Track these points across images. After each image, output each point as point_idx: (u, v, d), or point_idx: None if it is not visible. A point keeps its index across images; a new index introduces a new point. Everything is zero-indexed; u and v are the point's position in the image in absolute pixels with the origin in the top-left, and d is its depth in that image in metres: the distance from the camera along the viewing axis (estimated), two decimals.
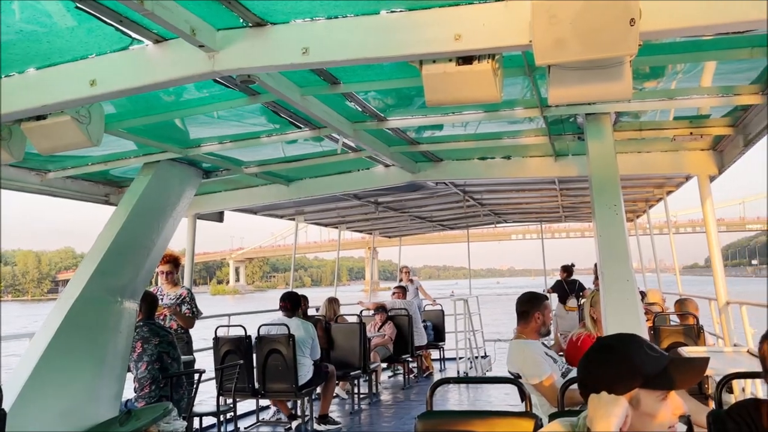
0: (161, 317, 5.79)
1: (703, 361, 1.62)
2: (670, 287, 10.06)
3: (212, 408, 5.75)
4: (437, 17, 2.36)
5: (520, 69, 3.28)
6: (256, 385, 6.42)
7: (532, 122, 4.56)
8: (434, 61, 2.53)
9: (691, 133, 4.86)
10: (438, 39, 2.36)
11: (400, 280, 11.13)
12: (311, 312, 8.51)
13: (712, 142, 5.18)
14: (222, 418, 5.89)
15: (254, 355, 6.42)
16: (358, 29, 2.44)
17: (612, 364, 1.64)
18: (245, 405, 7.42)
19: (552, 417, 2.41)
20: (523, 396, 2.82)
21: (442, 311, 10.90)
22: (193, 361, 5.82)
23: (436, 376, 10.12)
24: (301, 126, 4.22)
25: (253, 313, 9.03)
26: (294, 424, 6.58)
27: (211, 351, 6.56)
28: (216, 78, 2.83)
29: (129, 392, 4.71)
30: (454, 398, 8.46)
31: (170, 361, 4.79)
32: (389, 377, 10.21)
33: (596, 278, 8.67)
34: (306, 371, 6.34)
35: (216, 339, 6.49)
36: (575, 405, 2.91)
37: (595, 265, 6.96)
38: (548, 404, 3.58)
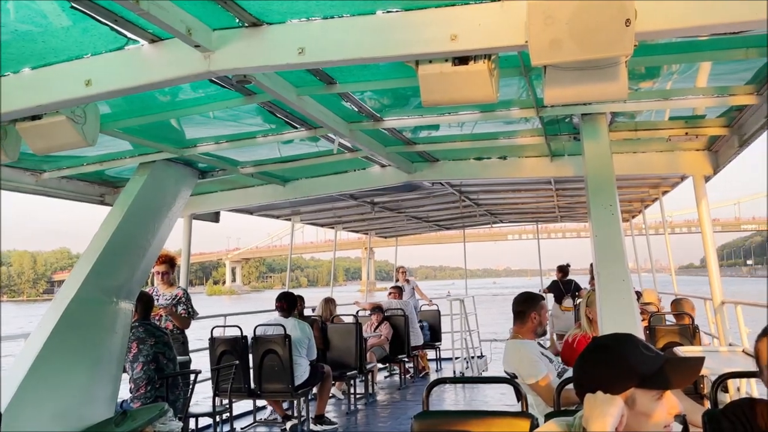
0: (157, 318, 5.77)
1: (699, 361, 1.63)
2: (666, 287, 10.09)
3: (208, 408, 5.74)
4: (433, 17, 2.36)
5: (516, 69, 3.28)
6: (252, 386, 6.41)
7: (528, 122, 4.57)
8: (430, 62, 2.53)
9: (686, 134, 4.87)
10: (434, 39, 2.36)
11: (397, 280, 11.13)
12: (307, 312, 8.50)
13: (707, 142, 5.19)
14: (218, 419, 5.88)
15: (250, 356, 6.41)
16: (354, 29, 2.44)
17: (608, 363, 1.65)
18: (241, 405, 7.41)
19: (548, 417, 2.42)
20: (520, 396, 2.83)
21: (439, 311, 10.91)
22: (189, 362, 5.80)
23: (433, 376, 10.13)
24: (297, 126, 4.22)
25: (250, 313, 9.02)
26: (288, 424, 6.57)
27: (207, 351, 6.55)
28: (212, 78, 2.82)
29: (125, 393, 4.70)
30: (450, 398, 8.46)
31: (166, 361, 4.78)
32: (385, 377, 10.22)
33: (592, 278, 8.70)
34: (302, 371, 6.34)
35: (212, 339, 6.48)
36: (571, 405, 2.92)
37: (591, 265, 6.98)
38: (544, 404, 3.58)
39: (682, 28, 2.24)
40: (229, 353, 6.31)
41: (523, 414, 2.56)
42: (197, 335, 7.17)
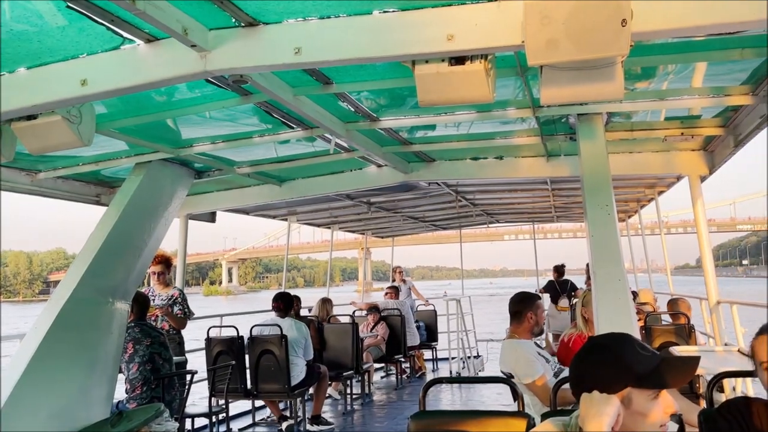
0: (153, 318, 5.76)
1: (694, 360, 1.63)
2: (662, 287, 10.11)
3: (204, 409, 5.73)
4: (430, 17, 2.36)
5: (512, 69, 3.29)
6: (249, 386, 6.40)
7: (525, 122, 4.58)
8: (427, 62, 2.53)
9: (682, 134, 4.89)
10: (431, 39, 2.36)
11: (393, 281, 11.13)
12: (304, 312, 8.50)
13: (702, 142, 5.21)
14: (214, 419, 5.87)
15: (246, 356, 6.40)
16: (351, 29, 2.44)
17: (604, 363, 1.65)
18: (238, 406, 7.40)
19: (544, 416, 2.42)
20: (516, 396, 2.83)
21: (435, 311, 10.91)
22: (185, 362, 5.80)
23: (429, 376, 10.13)
24: (294, 126, 4.22)
25: (246, 313, 9.01)
26: (285, 425, 6.56)
27: (204, 352, 6.54)
28: (208, 78, 2.82)
29: (120, 393, 4.69)
30: (446, 398, 8.47)
31: (162, 362, 4.77)
32: (382, 377, 10.22)
33: (588, 278, 8.72)
34: (298, 372, 6.33)
35: (208, 339, 6.47)
36: (568, 404, 2.92)
37: (587, 265, 6.99)
38: (541, 404, 3.59)
39: (678, 29, 2.25)
40: (226, 353, 6.30)
41: (520, 414, 2.57)
42: (193, 335, 7.16)
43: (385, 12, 2.41)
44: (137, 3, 2.07)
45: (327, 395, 7.52)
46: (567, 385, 1.81)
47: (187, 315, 5.97)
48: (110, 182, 5.39)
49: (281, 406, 7.12)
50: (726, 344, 5.25)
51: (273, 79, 3.13)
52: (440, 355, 11.10)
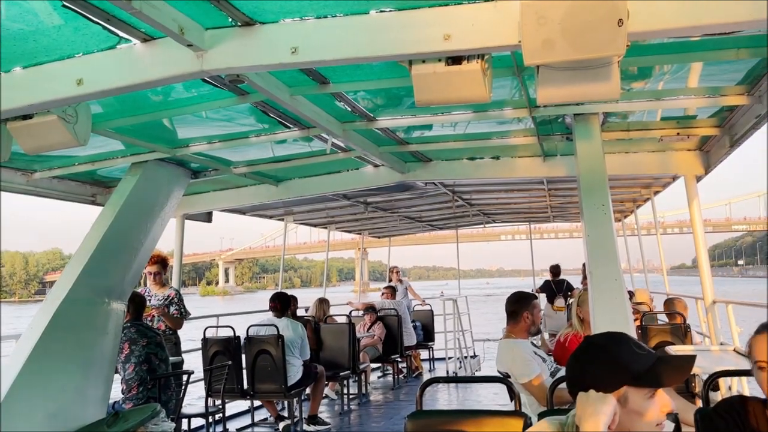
0: (149, 318, 5.75)
1: (690, 359, 1.64)
2: (658, 287, 10.13)
3: (201, 409, 5.72)
4: (427, 17, 2.36)
5: (508, 69, 3.29)
6: (245, 386, 6.40)
7: (521, 122, 4.58)
8: (424, 61, 2.53)
9: (678, 134, 4.90)
10: (427, 39, 2.36)
11: (390, 280, 11.13)
12: (300, 312, 8.49)
13: (698, 142, 5.22)
14: (211, 420, 5.86)
15: (243, 356, 6.39)
16: (348, 29, 2.44)
17: (600, 362, 1.65)
18: (234, 406, 7.40)
19: (541, 416, 2.42)
20: (513, 395, 2.83)
21: (432, 311, 10.92)
22: (181, 362, 5.79)
23: (426, 376, 10.13)
24: (290, 126, 4.21)
25: (242, 314, 9.00)
26: (281, 425, 6.56)
27: (200, 352, 6.53)
28: (204, 77, 2.82)
29: (116, 394, 4.68)
30: (443, 398, 8.47)
31: (158, 362, 4.76)
32: (378, 377, 10.22)
33: (584, 278, 8.74)
34: (295, 372, 6.33)
35: (204, 340, 6.46)
36: (564, 404, 2.92)
37: (584, 264, 7.00)
38: (537, 403, 3.59)
39: (674, 29, 2.25)
40: (222, 354, 6.30)
41: (517, 413, 2.57)
42: (190, 336, 7.15)
43: (381, 12, 2.41)
44: (133, 2, 2.07)
45: (324, 395, 7.52)
46: (563, 385, 1.82)
47: (183, 315, 5.96)
48: (106, 182, 5.38)
49: (278, 406, 7.11)
50: (722, 344, 5.26)
51: (270, 79, 3.13)
52: (437, 355, 11.10)
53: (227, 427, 6.65)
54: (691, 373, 3.03)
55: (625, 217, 11.49)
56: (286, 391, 6.22)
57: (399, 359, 9.45)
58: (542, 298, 10.66)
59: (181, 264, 6.91)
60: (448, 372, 9.53)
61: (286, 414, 6.79)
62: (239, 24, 2.51)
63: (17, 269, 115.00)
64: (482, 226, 12.74)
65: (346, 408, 7.90)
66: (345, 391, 8.00)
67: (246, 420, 7.15)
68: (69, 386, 3.93)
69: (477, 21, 2.31)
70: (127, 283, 4.49)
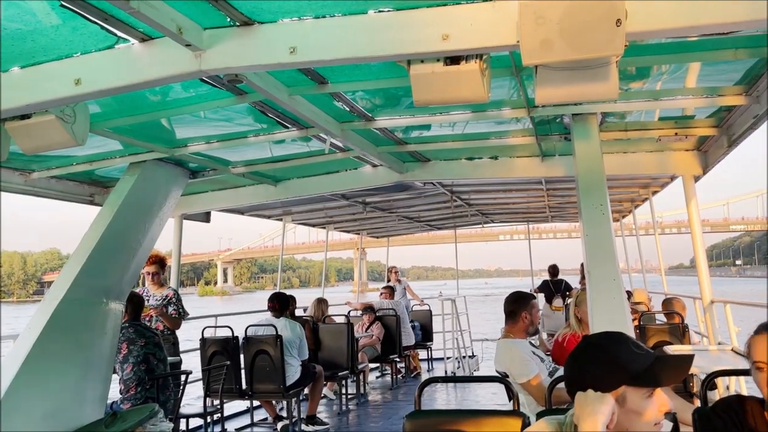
0: (147, 318, 5.75)
1: (688, 358, 1.64)
2: (656, 287, 10.15)
3: (199, 409, 5.71)
4: (425, 17, 2.36)
5: (507, 69, 3.29)
6: (244, 386, 6.39)
7: (519, 122, 4.58)
8: (422, 61, 2.53)
9: (676, 134, 4.90)
10: (426, 39, 2.36)
11: (388, 281, 11.13)
12: (299, 312, 8.49)
13: (696, 142, 5.23)
14: (209, 420, 5.86)
15: (241, 356, 6.39)
16: (346, 29, 2.44)
17: (598, 361, 1.65)
18: (233, 406, 7.39)
19: (540, 415, 2.42)
20: (511, 395, 2.83)
21: (430, 311, 10.92)
22: (179, 362, 5.78)
23: (424, 376, 10.14)
24: (289, 126, 4.21)
25: (241, 314, 8.99)
26: (280, 425, 6.56)
27: (198, 352, 6.52)
28: (203, 77, 2.82)
29: (115, 394, 4.67)
30: (442, 398, 8.48)
31: (156, 362, 4.75)
32: (377, 377, 10.22)
33: (583, 278, 8.74)
34: (293, 372, 6.32)
35: (203, 340, 6.46)
36: (563, 404, 2.92)
37: (582, 264, 7.01)
38: (536, 403, 3.59)
39: (672, 29, 2.26)
40: (220, 354, 6.29)
41: (515, 413, 2.57)
42: (188, 336, 7.14)
43: (380, 11, 2.41)
44: (131, 2, 2.06)
45: (322, 395, 7.51)
46: (562, 384, 1.82)
47: (181, 315, 5.96)
48: (104, 182, 5.38)
49: (277, 406, 7.10)
50: (719, 343, 5.27)
51: (268, 79, 3.13)
52: (435, 355, 11.10)
53: (225, 427, 6.64)
54: (689, 372, 3.03)
55: (624, 217, 11.51)
56: (284, 391, 6.22)
57: (397, 359, 9.46)
58: (540, 298, 10.67)
59: (179, 264, 6.90)
60: (446, 372, 9.53)
61: (284, 414, 6.79)
62: (238, 24, 2.51)
63: (15, 269, 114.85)
64: (481, 226, 12.75)
65: (344, 408, 7.90)
66: (343, 391, 7.99)
67: (244, 420, 7.15)
68: (67, 386, 3.93)
69: (475, 21, 2.31)
70: (125, 283, 4.48)
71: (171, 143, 4.47)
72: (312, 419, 6.72)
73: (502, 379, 3.31)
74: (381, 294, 10.17)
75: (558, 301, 10.56)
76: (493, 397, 7.60)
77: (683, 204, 5.46)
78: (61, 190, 5.15)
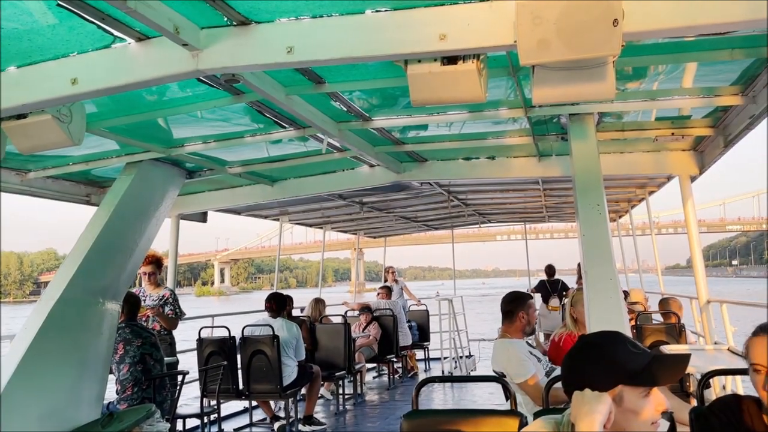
0: (144, 318, 5.74)
1: (685, 358, 1.64)
2: (653, 287, 10.17)
3: (196, 410, 5.71)
4: (422, 17, 2.37)
5: (504, 69, 3.29)
6: (241, 386, 6.39)
7: (516, 123, 4.59)
8: (419, 61, 2.53)
9: (672, 134, 4.91)
10: (423, 39, 2.36)
11: (386, 281, 11.13)
12: (296, 312, 8.48)
13: (693, 142, 5.24)
14: (206, 420, 5.85)
15: (238, 356, 6.38)
16: (343, 28, 2.44)
17: (595, 361, 1.65)
18: (230, 406, 7.38)
19: (537, 415, 2.42)
20: (508, 395, 2.84)
21: (427, 311, 10.92)
22: (176, 363, 5.77)
23: (421, 376, 10.13)
24: (286, 126, 4.21)
25: (237, 314, 8.99)
26: (277, 425, 6.55)
27: (195, 352, 6.51)
28: (200, 77, 2.81)
29: (111, 394, 4.66)
30: (439, 398, 8.48)
31: (153, 362, 4.74)
32: (374, 378, 10.21)
33: (579, 278, 8.75)
34: (290, 372, 6.32)
35: (200, 340, 6.45)
36: (560, 403, 2.93)
37: (579, 264, 7.01)
38: (533, 403, 3.59)
39: (669, 29, 2.26)
40: (217, 354, 6.28)
41: (512, 412, 2.57)
42: (185, 336, 7.13)
43: (377, 11, 2.41)
44: (128, 1, 2.06)
45: (319, 396, 7.51)
46: (559, 384, 1.82)
47: (178, 315, 5.95)
48: (101, 182, 5.36)
49: (275, 407, 7.10)
50: (716, 343, 5.28)
51: (265, 79, 3.12)
52: (432, 355, 11.11)
53: (222, 427, 6.63)
54: (686, 372, 3.04)
55: (620, 217, 11.52)
56: (281, 392, 6.21)
57: (394, 359, 9.45)
58: (537, 298, 10.68)
59: (176, 264, 6.89)
60: (443, 372, 9.53)
61: (281, 414, 6.79)
62: (235, 23, 2.50)
63: (12, 269, 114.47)
64: (478, 226, 12.76)
65: (341, 408, 7.89)
66: (340, 391, 7.99)
67: (241, 420, 7.14)
68: (63, 387, 3.92)
69: (472, 21, 2.31)
70: (121, 284, 4.47)
71: (168, 143, 4.47)
72: (309, 419, 6.72)
73: (499, 378, 3.31)
74: (378, 294, 10.17)
75: (555, 301, 10.57)
76: (490, 397, 7.61)
77: (680, 204, 5.47)
78: (58, 190, 5.14)
